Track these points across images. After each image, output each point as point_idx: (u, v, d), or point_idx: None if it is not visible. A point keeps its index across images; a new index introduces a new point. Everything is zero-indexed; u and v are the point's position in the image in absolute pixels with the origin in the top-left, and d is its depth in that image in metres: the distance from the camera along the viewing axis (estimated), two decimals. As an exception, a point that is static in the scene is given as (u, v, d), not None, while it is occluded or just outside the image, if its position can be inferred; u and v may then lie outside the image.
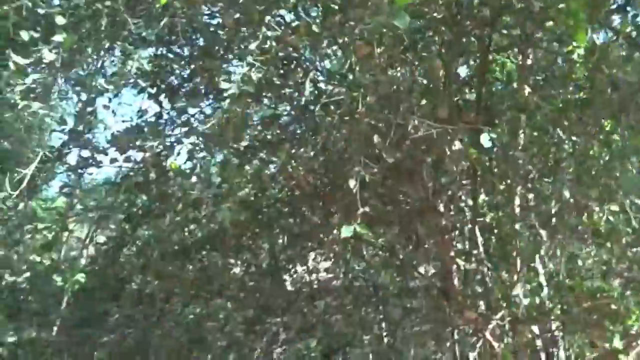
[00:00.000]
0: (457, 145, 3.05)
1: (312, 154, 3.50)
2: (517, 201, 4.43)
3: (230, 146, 4.13)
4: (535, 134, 4.60)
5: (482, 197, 4.84)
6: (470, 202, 4.64)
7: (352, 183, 2.84)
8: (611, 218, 3.81)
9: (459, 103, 4.10)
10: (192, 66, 4.57)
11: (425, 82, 3.63)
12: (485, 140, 2.73)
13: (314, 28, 2.99)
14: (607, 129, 3.47)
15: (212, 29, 4.17)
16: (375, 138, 2.84)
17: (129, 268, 5.22)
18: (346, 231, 2.78)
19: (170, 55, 4.56)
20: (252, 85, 3.00)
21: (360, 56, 2.92)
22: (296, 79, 3.72)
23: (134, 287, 5.44)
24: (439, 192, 4.49)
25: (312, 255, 5.56)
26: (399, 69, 3.49)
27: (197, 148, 4.26)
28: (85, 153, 4.31)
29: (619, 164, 3.37)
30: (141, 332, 5.26)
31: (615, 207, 3.95)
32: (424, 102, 3.49)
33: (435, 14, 3.13)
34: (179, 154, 4.62)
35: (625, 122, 2.85)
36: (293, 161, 3.76)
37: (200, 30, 4.13)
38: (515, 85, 4.55)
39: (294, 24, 3.46)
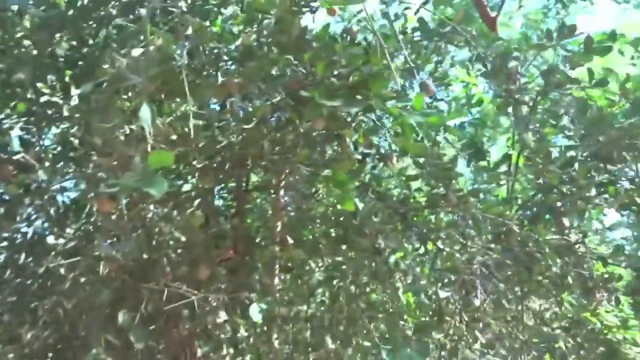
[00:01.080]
0: (221, 316, 2.63)
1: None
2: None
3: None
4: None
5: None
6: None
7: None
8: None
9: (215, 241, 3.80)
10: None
11: (182, 239, 3.16)
12: (254, 312, 2.38)
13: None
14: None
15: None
16: (120, 316, 2.22)
17: None
18: None
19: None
20: None
21: (101, 210, 2.34)
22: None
23: None
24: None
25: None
26: (154, 228, 2.95)
27: None
28: None
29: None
30: None
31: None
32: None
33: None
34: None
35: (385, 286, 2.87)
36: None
37: None
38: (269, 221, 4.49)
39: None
